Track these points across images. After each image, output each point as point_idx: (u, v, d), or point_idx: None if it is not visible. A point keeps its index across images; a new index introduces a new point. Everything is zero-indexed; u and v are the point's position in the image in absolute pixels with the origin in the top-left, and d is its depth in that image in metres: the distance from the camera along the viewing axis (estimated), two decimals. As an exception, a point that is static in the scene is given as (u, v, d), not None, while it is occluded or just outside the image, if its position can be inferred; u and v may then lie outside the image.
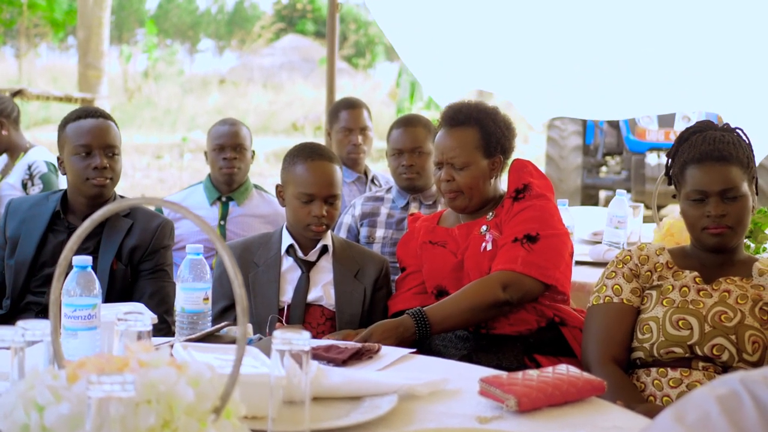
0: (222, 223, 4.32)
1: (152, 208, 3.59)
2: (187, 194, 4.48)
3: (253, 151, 4.50)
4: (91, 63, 9.74)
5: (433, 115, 16.34)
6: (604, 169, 11.27)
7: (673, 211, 4.15)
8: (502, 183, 3.34)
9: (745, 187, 2.66)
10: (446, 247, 3.26)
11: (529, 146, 17.86)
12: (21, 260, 3.28)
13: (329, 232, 3.26)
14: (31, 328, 1.82)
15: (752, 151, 2.71)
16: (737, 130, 2.73)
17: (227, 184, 4.38)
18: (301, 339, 1.81)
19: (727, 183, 2.65)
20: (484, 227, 3.20)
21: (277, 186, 3.28)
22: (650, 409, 2.35)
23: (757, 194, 2.75)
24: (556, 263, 3.08)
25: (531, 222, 3.10)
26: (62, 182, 5.08)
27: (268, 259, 3.20)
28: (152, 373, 1.58)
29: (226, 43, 38.40)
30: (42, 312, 3.19)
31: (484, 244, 3.16)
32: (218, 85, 24.53)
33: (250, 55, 29.28)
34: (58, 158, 3.35)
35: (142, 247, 3.29)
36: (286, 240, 3.22)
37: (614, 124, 10.91)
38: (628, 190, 10.32)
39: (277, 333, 1.82)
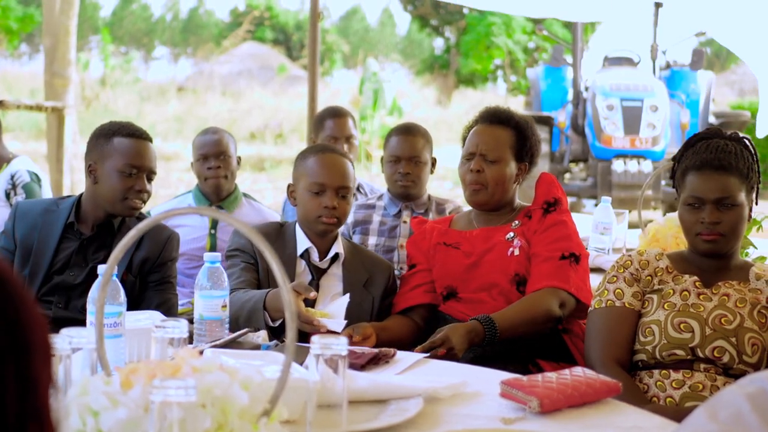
0: (212, 232, 4.33)
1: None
2: (176, 204, 4.49)
3: (239, 158, 4.52)
4: (57, 71, 9.66)
5: (396, 121, 16.36)
6: (568, 175, 11.38)
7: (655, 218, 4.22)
8: (517, 197, 3.44)
9: (741, 196, 2.75)
10: (460, 248, 3.31)
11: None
12: (36, 270, 3.24)
13: (340, 238, 3.26)
14: (76, 335, 1.85)
15: (756, 161, 2.80)
16: (744, 140, 2.82)
17: (216, 193, 4.39)
18: (338, 344, 1.86)
19: (724, 192, 2.73)
20: (510, 234, 3.27)
21: (289, 186, 3.27)
22: (656, 410, 2.42)
23: (756, 204, 2.84)
24: (588, 284, 3.21)
25: (569, 240, 3.21)
26: (45, 192, 5.06)
27: (284, 256, 3.15)
28: (207, 377, 1.63)
29: (182, 50, 38.23)
30: (51, 324, 3.16)
31: (511, 249, 3.23)
32: (176, 92, 24.40)
33: (206, 62, 29.17)
34: (90, 165, 3.31)
35: (152, 259, 3.31)
36: (303, 242, 3.19)
37: (580, 131, 11.04)
38: (594, 197, 10.44)
39: (314, 338, 1.87)
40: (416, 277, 3.37)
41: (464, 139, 3.40)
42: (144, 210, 3.57)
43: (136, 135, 3.31)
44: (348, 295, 2.91)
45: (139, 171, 3.27)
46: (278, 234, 3.22)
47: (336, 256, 3.23)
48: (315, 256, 3.20)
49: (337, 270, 3.23)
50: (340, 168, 3.16)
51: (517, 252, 3.22)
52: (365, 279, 3.24)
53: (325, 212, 3.12)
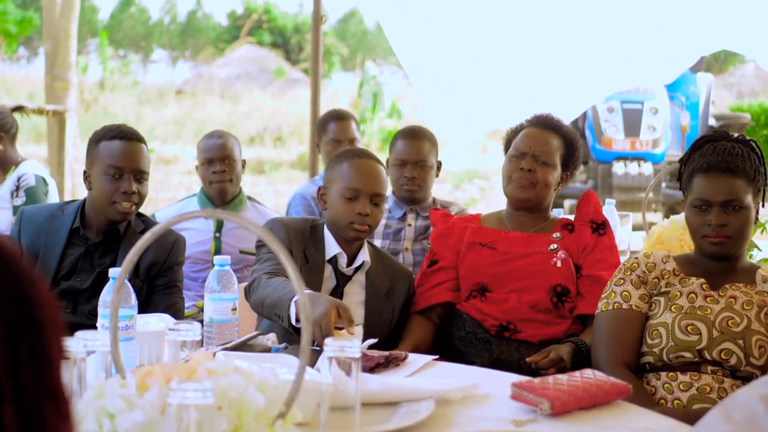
0: (217, 235, 4.34)
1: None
2: (181, 207, 4.50)
3: (244, 161, 4.52)
4: (58, 75, 9.66)
5: (395, 124, 16.19)
6: (567, 178, 11.40)
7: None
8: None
9: (748, 199, 2.76)
10: (496, 248, 3.32)
11: (489, 156, 17.91)
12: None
13: (366, 244, 3.20)
14: (90, 338, 1.86)
15: (762, 163, 2.81)
16: (751, 142, 2.84)
17: (220, 196, 4.39)
18: (351, 347, 1.87)
19: (730, 194, 2.74)
20: (554, 245, 3.29)
21: (319, 188, 3.20)
22: (664, 412, 2.42)
23: (763, 206, 2.85)
24: None
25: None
26: (52, 196, 5.07)
27: (316, 258, 3.10)
28: (223, 380, 1.64)
29: (180, 53, 38.23)
30: None
31: (554, 260, 3.26)
32: (175, 95, 24.40)
33: (205, 65, 29.16)
34: (85, 172, 3.34)
35: (159, 263, 3.31)
36: (332, 246, 3.12)
37: (580, 134, 11.06)
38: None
39: (328, 340, 1.87)
40: (439, 274, 3.34)
41: (509, 140, 3.42)
42: (148, 213, 3.57)
43: (120, 136, 3.29)
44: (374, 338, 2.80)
45: (123, 172, 3.26)
46: (312, 232, 3.16)
47: (362, 263, 3.17)
48: (343, 262, 3.14)
49: (360, 277, 3.18)
50: (376, 174, 3.11)
51: (559, 264, 3.25)
52: (387, 288, 3.20)
53: (357, 219, 3.06)
